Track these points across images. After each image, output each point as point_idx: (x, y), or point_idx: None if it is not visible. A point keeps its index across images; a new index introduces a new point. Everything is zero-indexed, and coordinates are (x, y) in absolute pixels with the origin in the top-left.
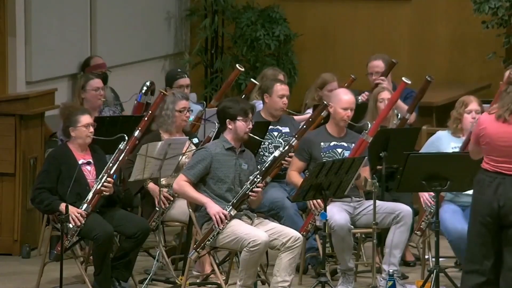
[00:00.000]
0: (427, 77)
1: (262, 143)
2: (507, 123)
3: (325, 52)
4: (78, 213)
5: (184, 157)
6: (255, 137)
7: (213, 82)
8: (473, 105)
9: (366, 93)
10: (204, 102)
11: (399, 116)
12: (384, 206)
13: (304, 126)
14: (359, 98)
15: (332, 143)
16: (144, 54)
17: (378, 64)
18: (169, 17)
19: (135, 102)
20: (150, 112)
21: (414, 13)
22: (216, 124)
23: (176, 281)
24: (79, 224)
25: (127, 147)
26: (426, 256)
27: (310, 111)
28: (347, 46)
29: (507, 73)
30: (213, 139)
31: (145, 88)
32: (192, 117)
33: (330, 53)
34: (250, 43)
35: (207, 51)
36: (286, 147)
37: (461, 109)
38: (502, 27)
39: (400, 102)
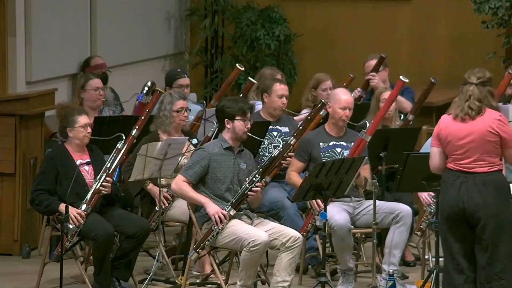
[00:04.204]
0: (431, 79)
1: (262, 143)
2: (464, 122)
3: (325, 52)
4: (78, 214)
5: (183, 157)
6: (255, 137)
7: (213, 82)
8: None
9: (358, 89)
10: (204, 102)
11: (401, 117)
12: (383, 206)
13: (303, 125)
14: (351, 94)
15: (331, 143)
16: (144, 54)
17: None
18: (169, 17)
19: (136, 102)
20: (147, 110)
21: (414, 13)
22: (215, 124)
23: (176, 281)
24: (79, 224)
25: (125, 146)
26: (426, 256)
27: (305, 111)
28: (347, 46)
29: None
30: (213, 139)
31: (146, 88)
32: (191, 117)
33: (330, 53)
34: (250, 43)
35: (207, 51)
36: (285, 146)
37: None
38: (502, 27)
39: (401, 98)
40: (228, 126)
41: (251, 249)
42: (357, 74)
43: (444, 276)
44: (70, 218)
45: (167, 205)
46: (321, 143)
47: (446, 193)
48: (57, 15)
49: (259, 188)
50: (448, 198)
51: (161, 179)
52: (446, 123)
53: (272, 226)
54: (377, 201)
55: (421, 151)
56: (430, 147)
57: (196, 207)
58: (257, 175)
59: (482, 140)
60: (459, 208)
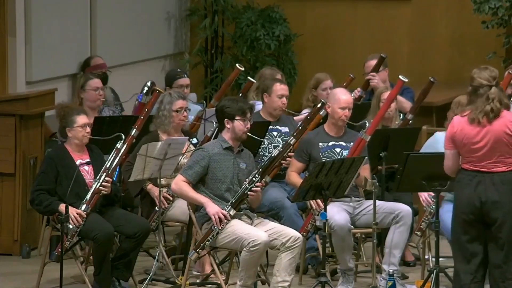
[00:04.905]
0: (430, 78)
1: (262, 143)
2: (481, 125)
3: (325, 52)
4: (78, 214)
5: (183, 157)
6: (255, 137)
7: (213, 82)
8: None
9: (358, 89)
10: (204, 102)
11: (401, 117)
12: (383, 206)
13: (302, 125)
14: (352, 94)
15: (330, 143)
16: (144, 54)
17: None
18: (169, 17)
19: (136, 102)
20: (146, 110)
21: (414, 13)
22: (215, 124)
23: (176, 281)
24: (79, 224)
25: (125, 146)
26: (426, 256)
27: (306, 111)
28: (347, 46)
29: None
30: (213, 139)
31: (146, 88)
32: (191, 117)
33: (330, 53)
34: (250, 43)
35: (207, 51)
36: (284, 146)
37: (458, 109)
38: (502, 27)
39: (401, 98)
40: (227, 126)
41: (251, 249)
42: (357, 74)
43: (454, 277)
44: (70, 218)
45: (167, 205)
46: (320, 143)
47: (461, 193)
48: (57, 15)
49: (259, 188)
50: (463, 197)
51: (161, 179)
52: (461, 125)
53: (272, 226)
54: (377, 201)
55: (421, 151)
56: (444, 150)
57: (196, 207)
58: (257, 175)
59: (498, 142)
60: (475, 207)
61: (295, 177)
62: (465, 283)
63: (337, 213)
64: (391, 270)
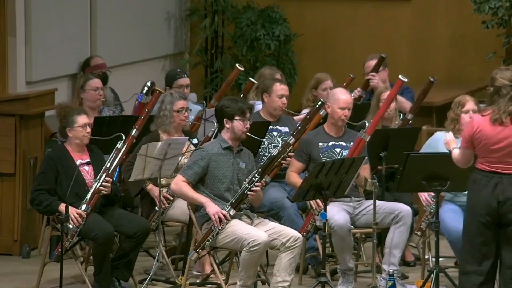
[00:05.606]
0: (430, 78)
1: (262, 143)
2: (503, 125)
3: (325, 52)
4: (78, 214)
5: (183, 157)
6: (255, 137)
7: (213, 82)
8: (470, 104)
9: (358, 89)
10: (204, 102)
11: (401, 117)
12: (383, 206)
13: (302, 125)
14: (352, 94)
15: (330, 143)
16: (144, 54)
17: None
18: (169, 17)
19: (136, 102)
20: (147, 110)
21: (414, 13)
22: (215, 124)
23: (176, 281)
24: (79, 224)
25: (125, 146)
26: (426, 256)
27: (306, 111)
28: (347, 46)
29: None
30: (213, 139)
31: (146, 88)
32: (192, 117)
33: (330, 53)
34: (250, 43)
35: (207, 51)
36: (284, 146)
37: (458, 109)
38: (502, 27)
39: (401, 98)
40: (227, 126)
41: (251, 249)
42: (357, 74)
43: (461, 278)
44: (70, 218)
45: (167, 205)
46: (320, 143)
47: (477, 194)
48: (57, 15)
49: (258, 188)
50: (480, 199)
51: (161, 179)
52: (481, 125)
53: (272, 226)
54: (377, 201)
55: (421, 151)
56: (460, 148)
57: (196, 207)
58: (256, 175)
59: None
60: (492, 207)
61: (295, 177)
62: (475, 283)
63: (337, 213)
64: (391, 270)
